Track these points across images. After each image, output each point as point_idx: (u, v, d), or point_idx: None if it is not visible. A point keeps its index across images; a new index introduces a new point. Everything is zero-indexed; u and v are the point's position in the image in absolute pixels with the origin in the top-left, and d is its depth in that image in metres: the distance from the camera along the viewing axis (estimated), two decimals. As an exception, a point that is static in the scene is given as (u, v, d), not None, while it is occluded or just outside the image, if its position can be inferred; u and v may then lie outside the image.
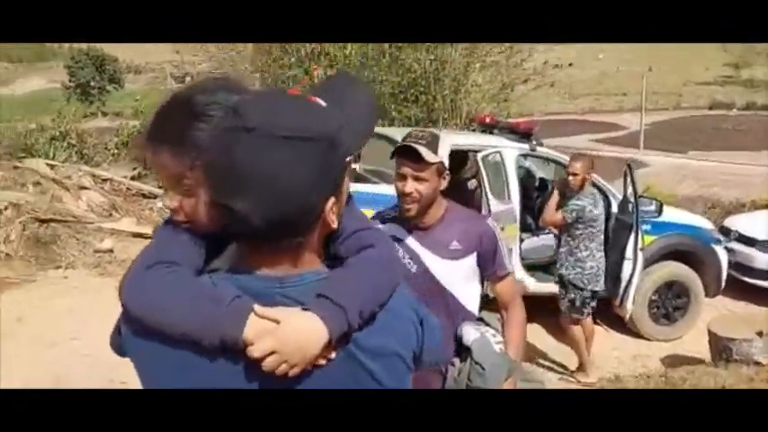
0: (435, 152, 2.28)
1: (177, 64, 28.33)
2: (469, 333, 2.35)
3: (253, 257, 1.05)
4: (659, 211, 5.84)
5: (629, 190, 5.42)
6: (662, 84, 22.90)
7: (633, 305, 5.54)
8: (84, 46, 36.88)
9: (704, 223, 6.59)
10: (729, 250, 6.80)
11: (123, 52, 39.83)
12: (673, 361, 5.55)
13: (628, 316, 5.60)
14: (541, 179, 7.07)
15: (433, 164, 2.28)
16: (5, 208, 7.64)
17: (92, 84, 39.33)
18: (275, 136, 0.96)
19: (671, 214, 6.25)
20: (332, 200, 1.04)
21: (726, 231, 7.45)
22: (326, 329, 1.00)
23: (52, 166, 9.49)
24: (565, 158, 6.19)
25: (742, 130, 18.78)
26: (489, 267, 2.42)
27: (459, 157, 7.24)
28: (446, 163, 2.35)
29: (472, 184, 7.04)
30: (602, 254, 5.12)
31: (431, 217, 2.38)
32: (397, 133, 6.53)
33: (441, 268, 2.37)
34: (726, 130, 18.98)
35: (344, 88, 1.14)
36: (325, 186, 1.02)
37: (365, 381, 1.08)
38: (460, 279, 2.40)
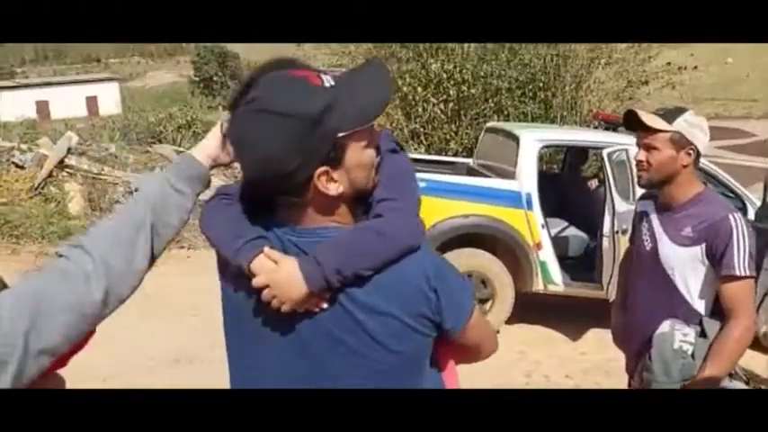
0: (670, 122, 2.18)
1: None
2: (663, 326, 2.23)
3: (273, 209, 1.26)
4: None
5: (769, 197, 5.05)
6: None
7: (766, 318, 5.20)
8: (209, 44, 38.81)
9: None
10: None
11: (244, 49, 41.45)
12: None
13: (762, 332, 5.25)
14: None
15: (662, 131, 2.18)
16: (136, 189, 8.10)
17: (214, 79, 41.30)
18: (261, 109, 1.13)
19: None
20: (320, 169, 1.16)
21: None
22: (304, 279, 1.18)
23: (179, 152, 9.98)
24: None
25: None
26: (715, 264, 2.17)
27: (579, 155, 7.03)
28: (691, 136, 2.19)
29: (593, 183, 6.79)
30: None
31: (675, 197, 2.26)
32: (515, 128, 6.41)
33: (667, 252, 2.25)
34: None
35: (365, 69, 1.26)
36: (305, 157, 1.14)
37: (354, 330, 1.22)
38: (683, 267, 2.24)
